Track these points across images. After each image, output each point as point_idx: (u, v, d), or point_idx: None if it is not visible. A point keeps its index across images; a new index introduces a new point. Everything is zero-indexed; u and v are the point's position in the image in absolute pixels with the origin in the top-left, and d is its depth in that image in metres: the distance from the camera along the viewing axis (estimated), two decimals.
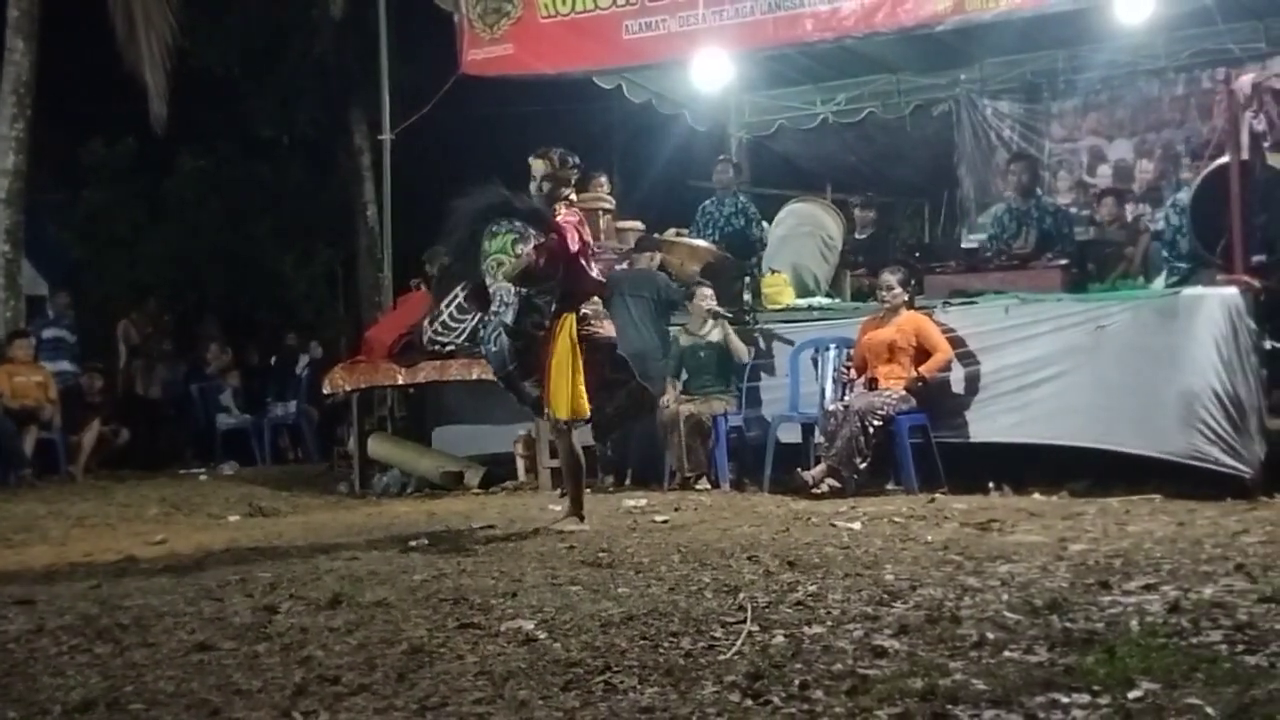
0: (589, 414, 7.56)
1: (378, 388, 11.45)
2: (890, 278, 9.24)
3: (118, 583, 6.27)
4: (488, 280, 7.29)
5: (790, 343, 9.86)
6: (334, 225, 19.54)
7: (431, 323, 10.79)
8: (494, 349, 7.35)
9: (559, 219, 7.35)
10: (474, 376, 10.48)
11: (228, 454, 14.41)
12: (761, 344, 10.02)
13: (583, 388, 7.41)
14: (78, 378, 13.82)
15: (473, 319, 10.70)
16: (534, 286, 7.26)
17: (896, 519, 7.32)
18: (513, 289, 7.20)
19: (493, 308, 7.28)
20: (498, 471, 10.65)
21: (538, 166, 7.69)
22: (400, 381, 11.10)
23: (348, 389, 11.22)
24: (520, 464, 10.51)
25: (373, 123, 15.27)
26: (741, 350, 9.77)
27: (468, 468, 10.77)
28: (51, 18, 14.06)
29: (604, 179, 12.44)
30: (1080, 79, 12.67)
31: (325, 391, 11.53)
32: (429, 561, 6.43)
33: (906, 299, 9.18)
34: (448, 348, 10.73)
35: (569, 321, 7.36)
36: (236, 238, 19.01)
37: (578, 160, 7.83)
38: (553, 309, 7.33)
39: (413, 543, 7.13)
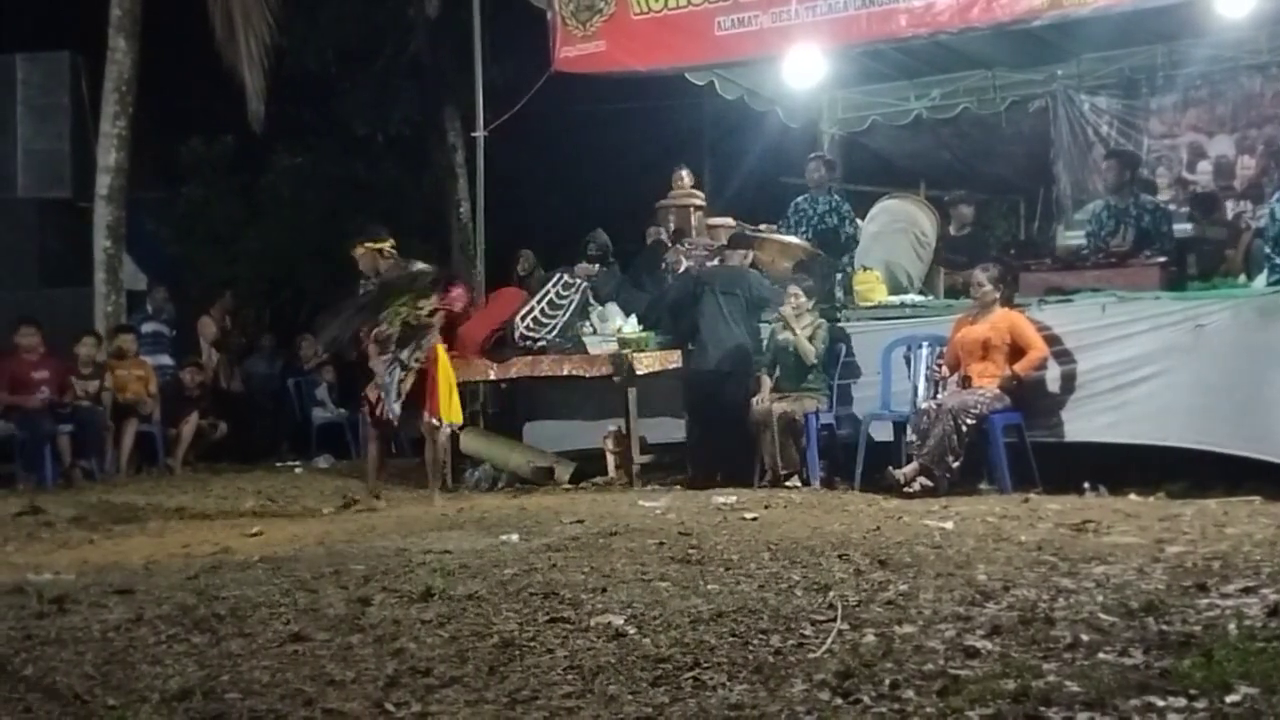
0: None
1: (470, 383, 11.52)
2: (981, 275, 9.15)
3: (214, 574, 6.37)
4: (384, 326, 9.28)
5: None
6: (427, 222, 19.70)
7: (523, 319, 10.86)
8: (389, 380, 9.27)
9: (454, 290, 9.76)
10: (565, 372, 10.54)
11: (323, 448, 14.55)
12: (853, 341, 9.97)
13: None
14: (176, 372, 14.02)
15: (564, 315, 10.80)
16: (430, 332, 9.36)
17: (989, 519, 7.24)
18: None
19: (391, 351, 9.28)
20: (588, 467, 10.69)
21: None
22: (492, 377, 11.18)
23: None
24: (610, 460, 10.53)
25: (466, 120, 15.37)
26: (809, 351, 9.71)
27: (558, 463, 10.82)
28: (152, 17, 14.28)
29: (684, 174, 12.41)
30: (1180, 74, 12.48)
31: None
32: (520, 556, 6.46)
33: (999, 296, 9.09)
34: (539, 343, 10.80)
35: (443, 350, 9.51)
36: (332, 234, 19.18)
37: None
38: (424, 346, 9.33)
39: (504, 537, 7.17)
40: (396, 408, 9.32)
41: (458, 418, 9.77)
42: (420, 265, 9.72)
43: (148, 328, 14.31)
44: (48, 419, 12.02)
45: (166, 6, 14.51)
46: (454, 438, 11.27)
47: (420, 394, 9.37)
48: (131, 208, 14.65)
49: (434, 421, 9.40)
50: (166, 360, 14.16)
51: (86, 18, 14.69)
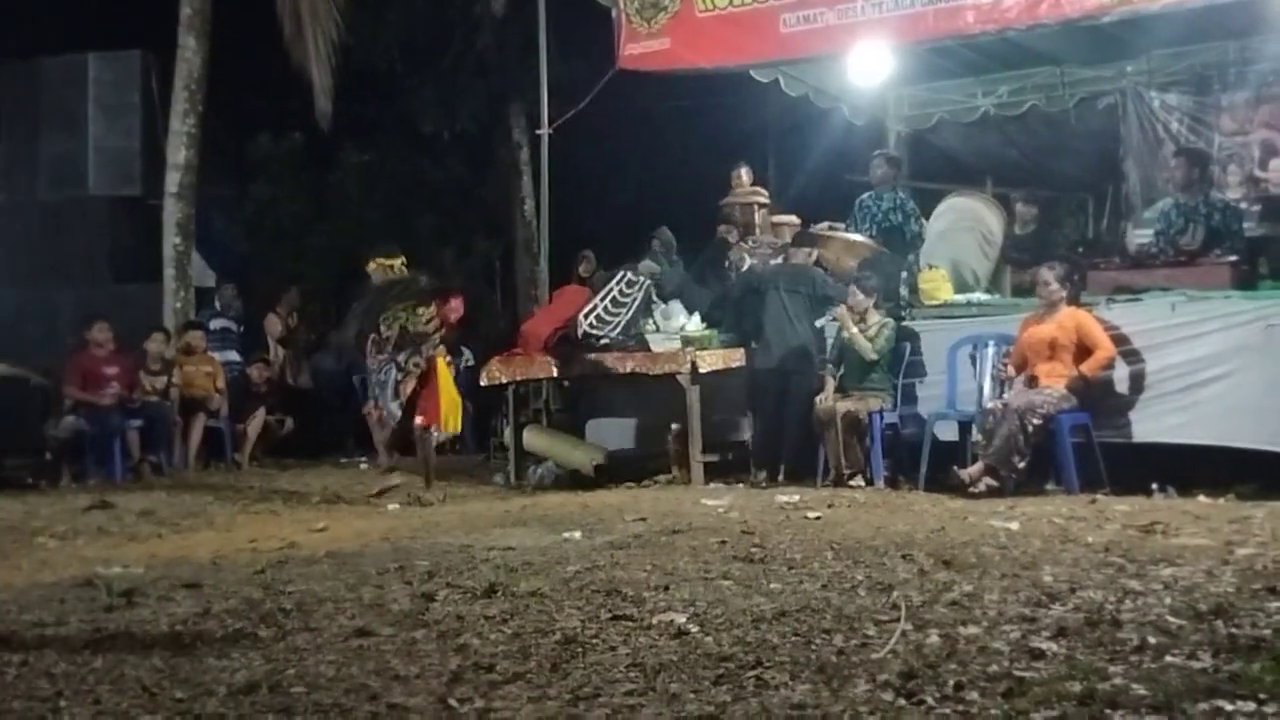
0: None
1: (533, 380, 11.55)
2: (1047, 274, 9.06)
3: (281, 568, 6.43)
4: (382, 329, 9.93)
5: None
6: (492, 219, 19.79)
7: (586, 316, 10.87)
8: (385, 379, 9.94)
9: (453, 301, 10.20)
10: (627, 370, 10.54)
11: (399, 448, 14.62)
12: (919, 340, 9.90)
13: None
14: (243, 368, 14.15)
15: (627, 313, 10.81)
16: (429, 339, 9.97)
17: (1056, 519, 7.19)
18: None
19: (388, 352, 9.92)
20: (650, 465, 10.68)
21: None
22: (555, 374, 11.20)
23: (504, 380, 11.34)
24: (673, 457, 10.52)
25: (531, 118, 15.43)
26: (866, 348, 9.65)
27: (597, 456, 10.82)
28: (222, 16, 14.43)
29: (743, 172, 12.36)
30: (1252, 70, 12.27)
31: (482, 383, 11.67)
32: (582, 553, 6.48)
33: (1065, 295, 9.00)
34: (602, 341, 10.80)
35: (444, 360, 10.11)
36: (398, 231, 19.32)
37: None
38: (424, 352, 9.90)
39: (566, 534, 7.19)
40: (394, 408, 9.96)
41: (455, 428, 10.65)
42: (424, 278, 10.48)
43: (216, 324, 14.45)
44: (117, 414, 12.16)
45: (236, 5, 14.66)
46: (519, 435, 11.35)
47: (418, 400, 9.98)
48: (200, 205, 14.81)
49: (425, 427, 10.04)
50: (234, 356, 14.30)
51: (157, 17, 14.85)
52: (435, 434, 10.17)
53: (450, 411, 10.11)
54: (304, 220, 19.36)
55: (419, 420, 10.01)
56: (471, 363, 15.72)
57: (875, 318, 9.79)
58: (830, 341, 10.06)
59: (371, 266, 10.54)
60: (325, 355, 15.87)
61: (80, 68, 16.52)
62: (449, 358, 10.73)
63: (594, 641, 4.55)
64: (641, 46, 12.05)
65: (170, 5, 14.25)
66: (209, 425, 13.07)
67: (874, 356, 9.66)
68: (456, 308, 10.29)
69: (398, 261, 10.51)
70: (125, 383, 12.40)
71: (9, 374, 12.41)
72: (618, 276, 11.24)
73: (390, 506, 9.51)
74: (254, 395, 13.75)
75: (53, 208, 16.63)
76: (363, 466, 12.85)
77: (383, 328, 10.06)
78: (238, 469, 12.83)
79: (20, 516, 9.09)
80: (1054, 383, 8.80)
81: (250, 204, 19.45)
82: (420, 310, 10.08)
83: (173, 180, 14.26)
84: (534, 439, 11.37)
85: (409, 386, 9.95)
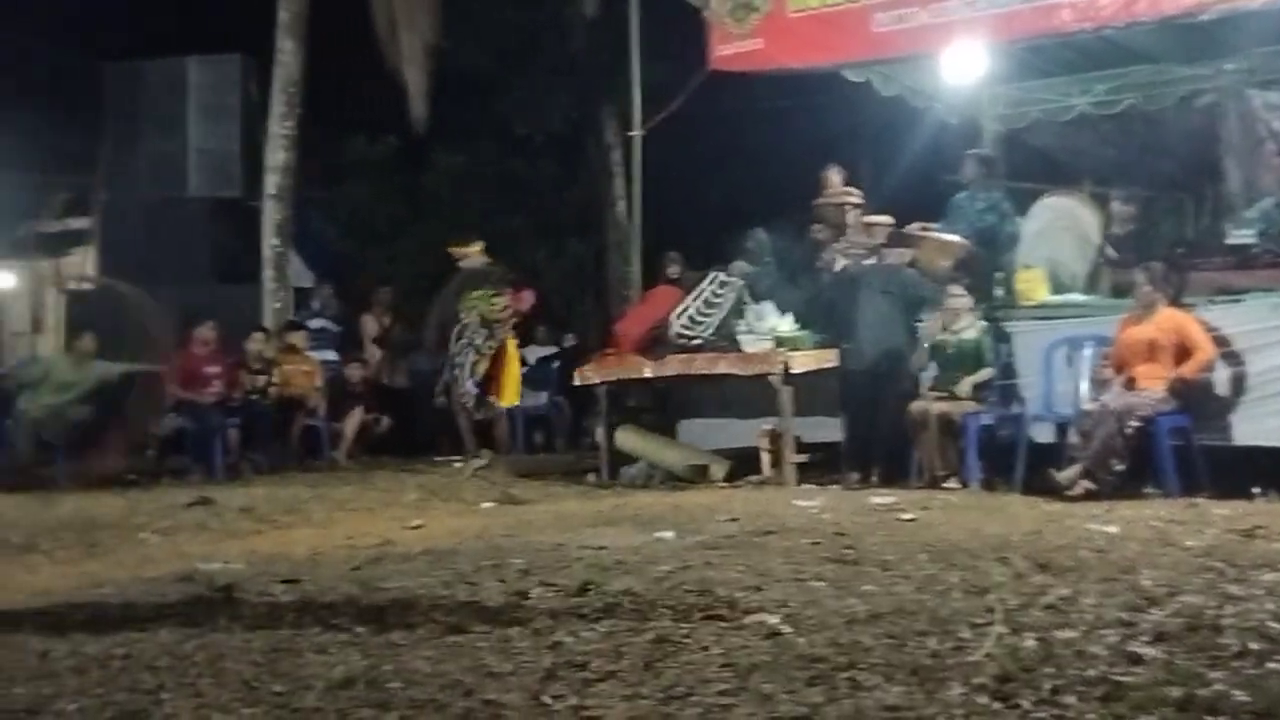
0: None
1: (626, 380, 11.58)
2: (1142, 275, 8.95)
3: (377, 565, 6.50)
4: (461, 316, 11.39)
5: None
6: (584, 220, 19.84)
7: (679, 317, 10.89)
8: (462, 360, 11.35)
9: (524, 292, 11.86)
10: (719, 370, 10.54)
11: (482, 443, 14.72)
12: (1015, 341, 9.81)
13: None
14: (340, 367, 14.30)
15: (719, 313, 10.81)
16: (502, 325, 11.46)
17: (1155, 523, 7.09)
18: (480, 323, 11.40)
19: (467, 336, 11.32)
20: (742, 466, 10.68)
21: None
22: (647, 374, 11.22)
23: (597, 381, 11.38)
24: (765, 458, 10.50)
25: (623, 119, 15.45)
26: (987, 373, 9.61)
27: (712, 461, 10.83)
28: (318, 19, 14.60)
29: (833, 173, 12.28)
30: None
31: (576, 383, 11.73)
32: (674, 553, 6.48)
33: (1160, 297, 8.87)
34: (694, 341, 10.81)
35: (513, 342, 11.74)
36: (491, 232, 19.44)
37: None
38: (498, 336, 11.41)
39: (659, 534, 7.20)
40: (470, 386, 11.32)
41: (513, 399, 12.22)
42: (499, 270, 11.85)
43: (314, 324, 14.62)
44: (218, 413, 12.36)
45: (332, 9, 14.82)
46: (610, 435, 11.39)
47: (490, 380, 11.43)
48: (297, 206, 14.99)
49: (494, 402, 11.68)
50: (332, 356, 14.45)
51: (256, 21, 15.07)
52: (497, 406, 11.72)
53: (511, 386, 11.69)
54: (398, 222, 19.53)
55: (492, 399, 11.55)
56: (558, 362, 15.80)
57: (966, 319, 9.72)
58: (924, 343, 10.00)
59: (473, 250, 11.84)
60: (421, 355, 16.00)
61: (181, 72, 16.77)
62: (517, 341, 12.01)
63: (686, 641, 4.55)
64: (733, 47, 12.04)
65: (268, 9, 14.46)
66: (307, 424, 13.23)
67: (991, 369, 9.61)
68: (527, 298, 11.52)
69: (475, 249, 11.86)
70: (226, 381, 12.59)
71: (131, 371, 12.54)
72: (710, 278, 11.25)
73: (484, 505, 9.58)
74: (351, 394, 13.89)
75: (154, 208, 16.91)
76: (456, 465, 12.94)
77: (462, 314, 11.34)
78: (335, 467, 12.96)
79: (122, 512, 9.25)
80: (1153, 385, 8.69)
81: (346, 206, 19.65)
82: (496, 299, 11.33)
83: (271, 182, 14.47)
84: (626, 439, 11.37)
85: (483, 366, 11.30)
